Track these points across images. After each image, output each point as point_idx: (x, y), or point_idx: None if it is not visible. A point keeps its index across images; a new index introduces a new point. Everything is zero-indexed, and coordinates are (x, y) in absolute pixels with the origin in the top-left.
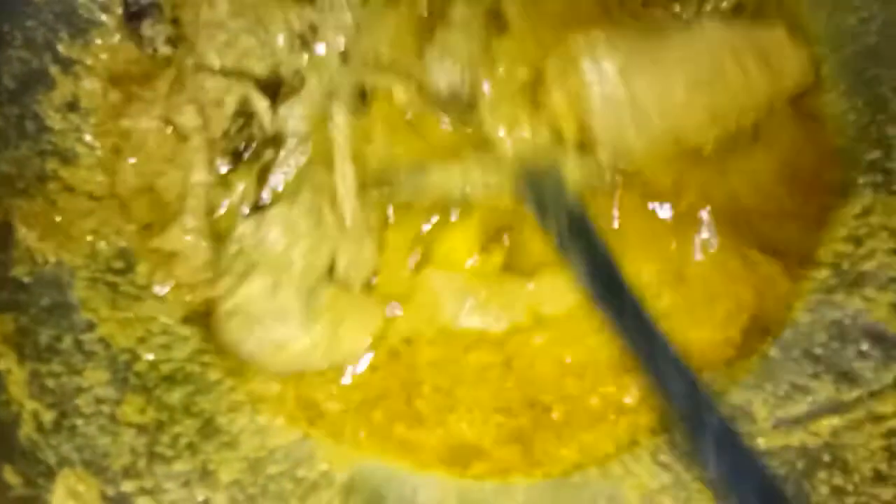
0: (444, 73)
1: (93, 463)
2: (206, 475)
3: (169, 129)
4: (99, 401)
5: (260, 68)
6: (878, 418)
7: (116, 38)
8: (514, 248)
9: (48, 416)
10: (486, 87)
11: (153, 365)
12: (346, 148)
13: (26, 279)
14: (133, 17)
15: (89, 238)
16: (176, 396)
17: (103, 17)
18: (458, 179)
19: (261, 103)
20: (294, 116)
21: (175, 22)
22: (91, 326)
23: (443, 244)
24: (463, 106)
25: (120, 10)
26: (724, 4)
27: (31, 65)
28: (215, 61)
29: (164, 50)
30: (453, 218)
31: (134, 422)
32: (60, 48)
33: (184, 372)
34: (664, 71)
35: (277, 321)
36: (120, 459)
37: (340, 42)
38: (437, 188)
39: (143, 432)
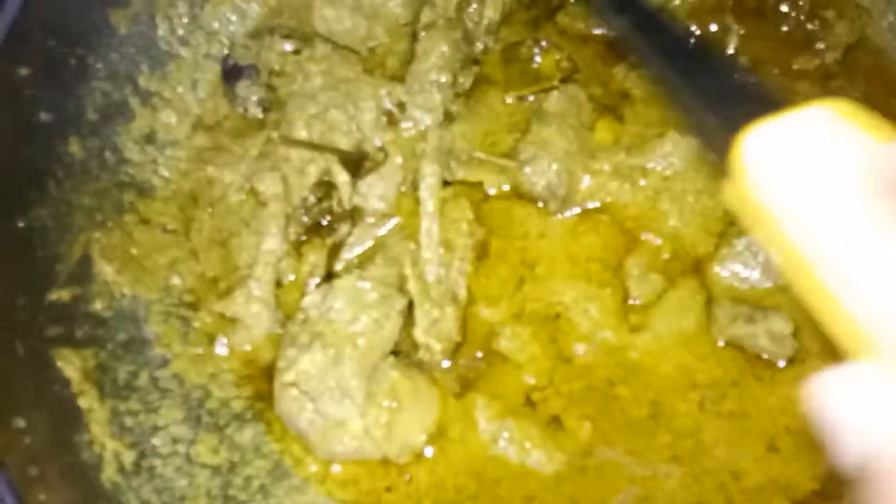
0: (540, 175)
1: None
2: None
3: (247, 190)
4: (175, 440)
5: (345, 143)
6: None
7: (205, 81)
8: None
9: (129, 457)
10: (585, 181)
11: (224, 402)
12: (434, 206)
13: (105, 313)
14: (230, 76)
15: (164, 272)
16: (247, 436)
17: (182, 51)
18: None
19: (342, 176)
20: (374, 193)
21: (270, 87)
22: (165, 362)
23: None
24: (558, 201)
25: (206, 52)
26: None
27: (112, 97)
28: (302, 132)
29: (255, 111)
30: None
31: (208, 463)
32: (140, 80)
33: (253, 410)
34: None
35: (334, 399)
36: (197, 502)
37: (427, 120)
38: None
39: (217, 474)
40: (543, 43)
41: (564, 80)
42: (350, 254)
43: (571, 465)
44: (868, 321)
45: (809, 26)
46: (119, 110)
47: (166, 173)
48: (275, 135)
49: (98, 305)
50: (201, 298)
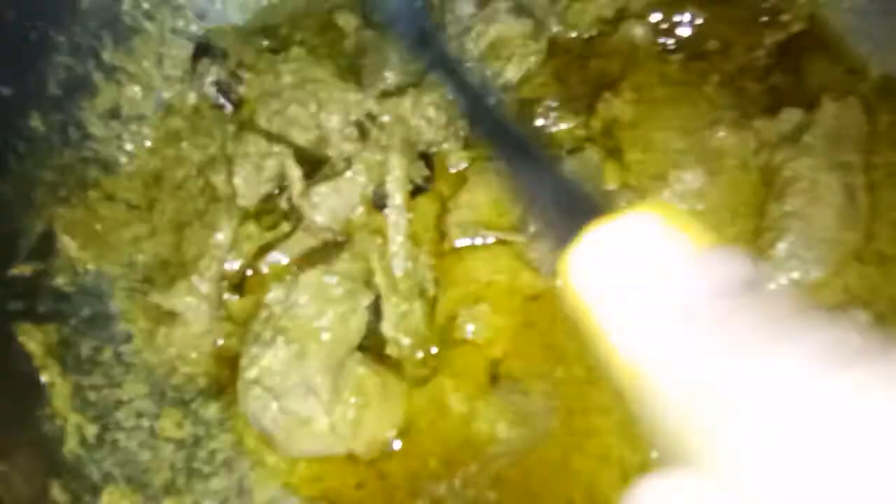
0: (548, 252)
1: (134, 479)
2: (242, 493)
3: (204, 182)
4: (139, 414)
5: (303, 140)
6: None
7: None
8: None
9: (91, 431)
10: None
11: (190, 378)
12: (401, 199)
13: (68, 289)
14: (197, 53)
15: (128, 248)
16: (212, 410)
17: (147, 25)
18: None
19: (295, 171)
20: (325, 204)
21: (234, 75)
22: (129, 338)
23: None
24: None
25: (172, 26)
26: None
27: (75, 71)
28: (263, 124)
29: (210, 91)
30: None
31: (172, 436)
32: (104, 55)
33: (219, 385)
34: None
35: (299, 396)
36: (160, 475)
37: (399, 133)
38: None
39: (181, 447)
40: (566, 106)
41: (575, 150)
42: (276, 258)
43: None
44: (686, 429)
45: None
46: (82, 85)
47: (131, 149)
48: (231, 128)
49: (61, 280)
50: (151, 279)
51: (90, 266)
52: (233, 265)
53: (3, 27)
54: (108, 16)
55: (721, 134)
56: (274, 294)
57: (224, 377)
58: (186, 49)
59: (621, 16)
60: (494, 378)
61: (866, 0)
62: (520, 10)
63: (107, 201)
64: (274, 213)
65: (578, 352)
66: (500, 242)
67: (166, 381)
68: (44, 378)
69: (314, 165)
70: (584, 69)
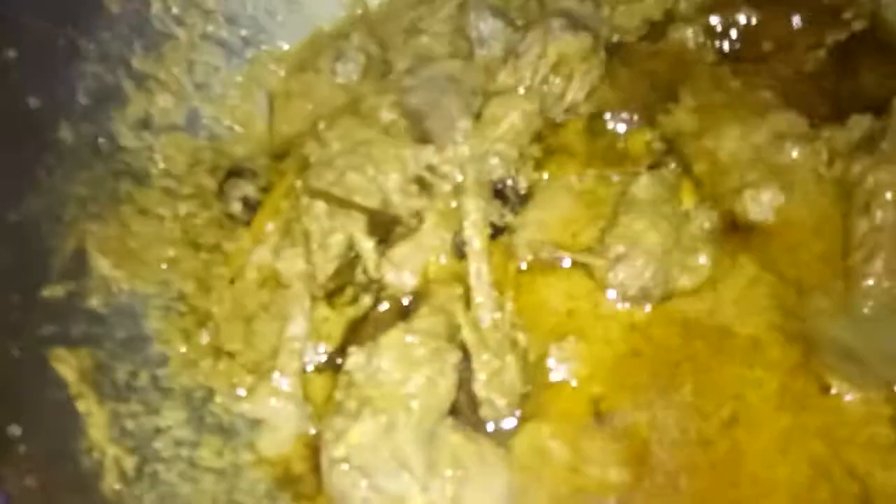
0: (635, 277)
1: None
2: None
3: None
4: (178, 443)
5: (370, 202)
6: None
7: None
8: None
9: (130, 463)
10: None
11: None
12: (480, 244)
13: (102, 310)
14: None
15: (163, 266)
16: (253, 437)
17: (177, 31)
18: None
19: (367, 243)
20: (406, 263)
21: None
22: (165, 360)
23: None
24: (651, 300)
25: (202, 31)
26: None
27: (104, 80)
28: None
29: (235, 208)
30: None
31: (212, 466)
32: (134, 62)
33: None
34: None
35: (391, 472)
36: None
37: (457, 176)
38: None
39: (221, 478)
40: (635, 117)
41: (654, 166)
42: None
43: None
44: None
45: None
46: (112, 94)
47: (162, 161)
48: (298, 183)
49: (94, 302)
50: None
51: (124, 285)
52: (318, 355)
53: (31, 35)
54: (137, 21)
55: (789, 145)
56: (354, 359)
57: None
58: (217, 56)
59: (670, 17)
60: (598, 416)
61: None
62: (575, 25)
63: (140, 216)
64: (348, 287)
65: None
66: (575, 265)
67: (204, 407)
68: (80, 407)
69: (386, 227)
70: (638, 76)
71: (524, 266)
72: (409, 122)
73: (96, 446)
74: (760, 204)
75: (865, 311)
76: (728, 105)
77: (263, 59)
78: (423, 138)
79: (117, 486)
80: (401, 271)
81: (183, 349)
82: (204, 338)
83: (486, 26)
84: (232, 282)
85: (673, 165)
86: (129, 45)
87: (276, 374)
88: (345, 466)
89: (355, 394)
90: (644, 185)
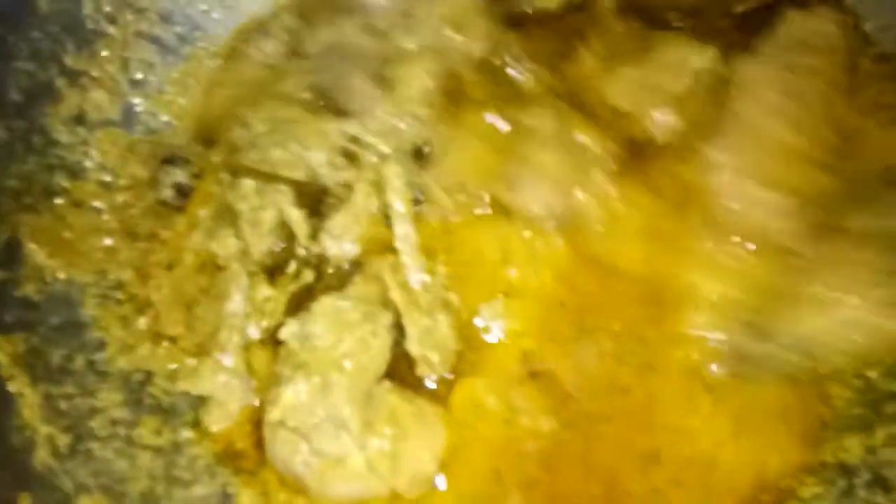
0: (538, 199)
1: (110, 488)
2: (226, 499)
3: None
4: (114, 423)
5: (296, 175)
6: None
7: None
8: None
9: (63, 441)
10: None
11: (168, 386)
12: (405, 208)
13: (36, 297)
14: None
15: (100, 255)
16: (192, 416)
17: (110, 29)
18: None
19: (295, 213)
20: (343, 234)
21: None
22: (102, 346)
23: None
24: (556, 221)
25: (136, 29)
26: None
27: (37, 77)
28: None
29: (167, 194)
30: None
31: (150, 444)
32: (66, 60)
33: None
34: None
35: (328, 433)
36: (138, 484)
37: (385, 147)
38: None
39: (159, 455)
40: (523, 56)
41: (549, 95)
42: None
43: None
44: None
45: None
46: (45, 91)
47: (97, 155)
48: (218, 159)
49: (28, 289)
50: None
51: (60, 274)
52: (261, 331)
53: None
54: (68, 20)
55: (689, 75)
56: (289, 329)
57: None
58: (152, 53)
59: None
60: (528, 369)
61: None
62: None
63: (75, 208)
64: (289, 263)
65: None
66: (494, 209)
67: (143, 389)
68: (11, 388)
69: (316, 199)
70: (537, 23)
71: (449, 217)
72: (324, 100)
73: (28, 425)
74: (658, 127)
75: None
76: (630, 43)
77: (199, 55)
78: (340, 113)
79: (49, 462)
80: (340, 241)
81: (121, 334)
82: (142, 323)
83: None
84: (170, 268)
85: (567, 101)
86: (61, 43)
87: (217, 352)
88: (283, 432)
89: (291, 361)
90: (542, 119)
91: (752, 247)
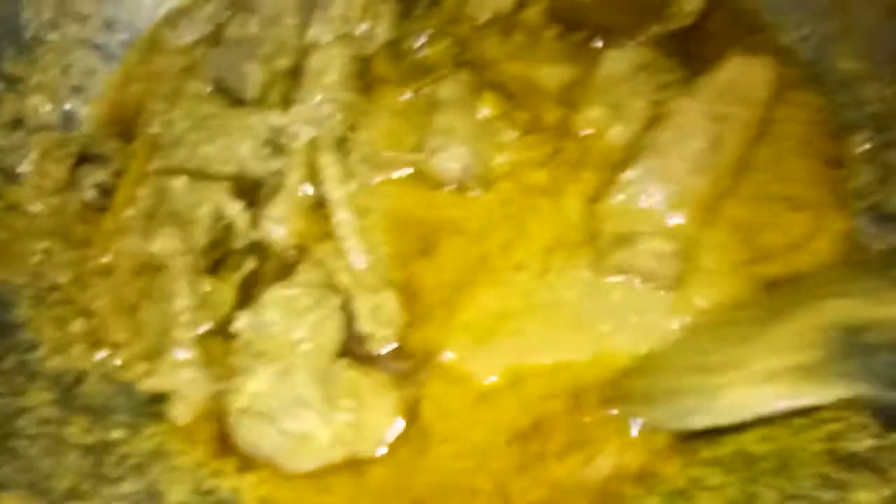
0: (452, 160)
1: (36, 485)
2: (153, 496)
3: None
4: (43, 422)
5: (227, 170)
6: None
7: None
8: None
9: None
10: (501, 162)
11: (101, 386)
12: (341, 194)
13: None
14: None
15: (35, 258)
16: (123, 418)
17: (51, 35)
18: None
19: (233, 207)
20: (280, 219)
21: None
22: (35, 346)
23: None
24: (474, 181)
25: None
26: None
27: None
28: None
29: (90, 194)
30: None
31: (79, 443)
32: (5, 65)
33: (131, 390)
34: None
35: (293, 413)
36: (64, 481)
37: (309, 133)
38: None
39: (88, 453)
40: (427, 33)
41: (455, 66)
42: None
43: None
44: None
45: None
46: None
47: (35, 159)
48: (152, 167)
49: None
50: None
51: None
52: (212, 324)
53: None
54: (7, 26)
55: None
56: (240, 321)
57: None
58: (94, 59)
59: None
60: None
61: None
62: None
63: (10, 211)
64: (230, 256)
65: None
66: (412, 176)
67: (76, 388)
68: None
69: (251, 190)
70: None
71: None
72: (228, 93)
73: None
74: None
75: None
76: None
77: None
78: (243, 104)
79: None
80: (281, 225)
81: (55, 335)
82: (78, 325)
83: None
84: (108, 275)
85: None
86: (0, 48)
87: (173, 348)
88: (250, 419)
89: (249, 350)
90: (448, 88)
91: None
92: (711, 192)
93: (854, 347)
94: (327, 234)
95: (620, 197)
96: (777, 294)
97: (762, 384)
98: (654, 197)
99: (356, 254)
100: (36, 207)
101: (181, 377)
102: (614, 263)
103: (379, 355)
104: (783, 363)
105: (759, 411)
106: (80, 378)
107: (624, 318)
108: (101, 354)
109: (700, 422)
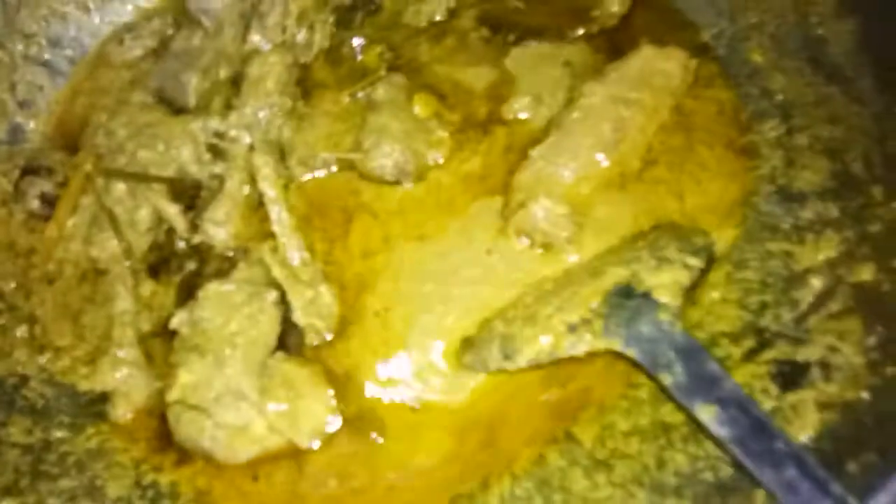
0: (385, 157)
1: None
2: (93, 491)
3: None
4: None
5: (166, 173)
6: None
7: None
8: None
9: None
10: (434, 156)
11: (42, 390)
12: (276, 193)
13: None
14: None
15: None
16: (65, 419)
17: None
18: None
19: (171, 209)
20: (220, 223)
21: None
22: None
23: None
24: (408, 177)
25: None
26: (584, 30)
27: None
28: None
29: (33, 205)
30: None
31: (19, 442)
32: None
33: (74, 391)
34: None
35: (228, 405)
36: (2, 478)
37: (249, 138)
38: None
39: (28, 452)
40: (362, 40)
41: (390, 70)
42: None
43: None
44: None
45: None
46: None
47: None
48: (90, 167)
49: None
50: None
51: None
52: (153, 325)
53: None
54: None
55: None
56: (177, 318)
57: None
58: (40, 76)
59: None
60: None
61: None
62: None
63: None
64: (171, 259)
65: None
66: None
67: (16, 392)
68: None
69: (189, 193)
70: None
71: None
72: (168, 102)
73: None
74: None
75: None
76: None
77: None
78: (184, 112)
79: None
80: (222, 227)
81: None
82: (21, 331)
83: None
84: (51, 283)
85: (401, 73)
86: None
87: (113, 348)
88: (185, 411)
89: (184, 345)
90: (382, 90)
91: None
92: (614, 169)
93: (623, 310)
94: (268, 235)
95: (530, 169)
96: (597, 258)
97: (549, 333)
98: (559, 170)
99: (292, 250)
100: None
101: (121, 376)
102: (516, 227)
103: (315, 346)
104: (571, 318)
105: (549, 355)
106: (22, 381)
107: (499, 275)
108: (44, 358)
109: (508, 364)
